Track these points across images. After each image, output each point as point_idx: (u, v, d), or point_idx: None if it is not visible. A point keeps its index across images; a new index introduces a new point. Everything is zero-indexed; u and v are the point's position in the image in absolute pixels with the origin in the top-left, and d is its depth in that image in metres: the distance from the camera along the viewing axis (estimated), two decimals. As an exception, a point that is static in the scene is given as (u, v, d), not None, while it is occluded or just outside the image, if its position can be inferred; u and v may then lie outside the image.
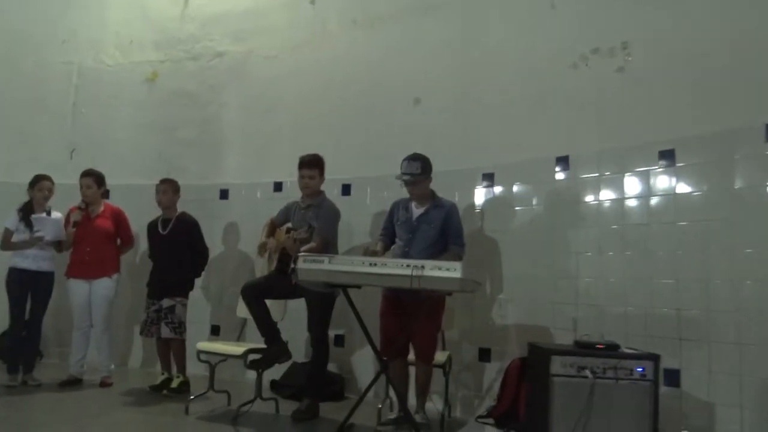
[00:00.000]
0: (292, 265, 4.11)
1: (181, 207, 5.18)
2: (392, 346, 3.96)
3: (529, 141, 4.50)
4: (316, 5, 5.74)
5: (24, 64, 6.38)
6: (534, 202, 4.46)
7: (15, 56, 6.36)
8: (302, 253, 3.70)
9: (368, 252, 3.95)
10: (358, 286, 3.88)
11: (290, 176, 5.40)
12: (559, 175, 4.35)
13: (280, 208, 4.72)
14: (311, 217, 4.14)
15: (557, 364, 3.10)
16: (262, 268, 4.69)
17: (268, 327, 4.27)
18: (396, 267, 3.44)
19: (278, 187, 5.72)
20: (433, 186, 4.18)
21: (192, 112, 6.14)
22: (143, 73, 6.33)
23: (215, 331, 5.77)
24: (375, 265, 3.51)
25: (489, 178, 4.70)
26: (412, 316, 3.86)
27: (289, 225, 4.48)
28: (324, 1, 5.72)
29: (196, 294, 5.26)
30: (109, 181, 5.40)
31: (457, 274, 3.31)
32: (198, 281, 5.23)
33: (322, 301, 4.24)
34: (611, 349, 3.17)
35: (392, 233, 4.21)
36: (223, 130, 6.07)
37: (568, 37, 4.40)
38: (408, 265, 3.41)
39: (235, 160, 5.99)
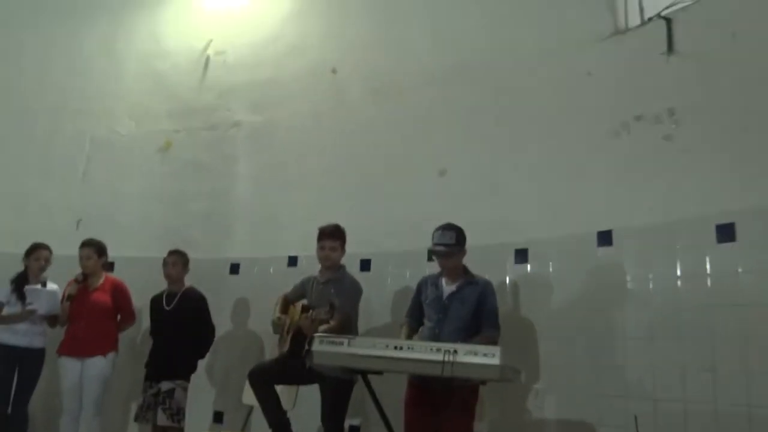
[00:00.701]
0: (307, 347, 3.76)
1: (188, 282, 4.82)
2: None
3: (566, 214, 4.14)
4: (338, 74, 5.55)
5: (36, 131, 6.20)
6: (573, 281, 4.04)
7: (28, 122, 6.18)
8: (319, 334, 3.30)
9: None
10: (380, 372, 3.47)
11: (305, 250, 5.06)
12: (601, 252, 3.96)
13: (294, 284, 4.36)
14: (331, 294, 3.75)
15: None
16: (272, 349, 4.27)
17: (277, 417, 3.82)
18: (425, 351, 3.03)
19: (293, 261, 5.35)
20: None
21: (204, 183, 5.85)
22: (156, 143, 6.11)
23: (218, 419, 5.27)
24: (401, 348, 3.10)
25: (522, 255, 4.32)
26: (441, 407, 3.42)
27: (305, 302, 4.10)
28: (346, 70, 5.52)
29: (199, 377, 4.81)
30: (115, 254, 5.10)
31: (496, 361, 2.90)
32: (202, 363, 4.79)
33: (338, 387, 3.79)
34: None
35: (420, 314, 3.81)
36: (236, 201, 5.77)
37: (606, 105, 4.12)
38: (438, 350, 3.00)
39: (247, 233, 5.65)
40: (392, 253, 4.88)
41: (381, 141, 5.18)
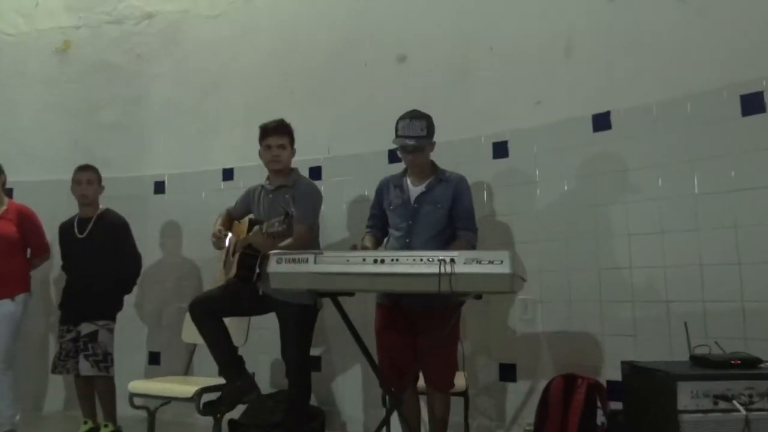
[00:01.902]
0: (258, 270, 3.09)
1: (105, 205, 4.01)
2: (397, 371, 2.92)
3: (554, 97, 3.54)
4: (268, -54, 4.65)
5: None
6: (564, 174, 3.47)
7: None
8: (275, 251, 2.62)
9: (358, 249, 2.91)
10: (351, 294, 2.85)
11: (243, 160, 4.40)
12: (598, 138, 3.38)
13: (232, 201, 3.64)
14: (284, 202, 3.02)
15: (686, 395, 2.10)
16: (216, 276, 3.57)
17: (228, 355, 3.17)
18: (414, 263, 2.40)
19: (228, 174, 4.60)
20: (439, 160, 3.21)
21: (116, 89, 4.94)
22: (53, 43, 5.08)
23: (154, 360, 4.59)
24: (382, 262, 2.46)
25: (502, 148, 3.70)
26: (420, 329, 2.87)
27: (252, 216, 3.38)
28: (279, -60, 4.63)
29: (126, 314, 4.09)
30: (13, 178, 4.20)
31: (506, 269, 2.31)
32: (129, 298, 4.05)
33: (301, 315, 3.15)
34: (750, 366, 2.21)
35: (383, 222, 3.18)
36: (156, 109, 4.88)
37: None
38: (431, 260, 2.39)
39: (171, 146, 4.81)
40: (345, 157, 4.21)
41: (324, 27, 4.39)
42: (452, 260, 2.36)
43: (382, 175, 4.01)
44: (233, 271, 3.19)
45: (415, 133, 2.96)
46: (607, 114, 3.34)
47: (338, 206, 4.14)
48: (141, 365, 4.56)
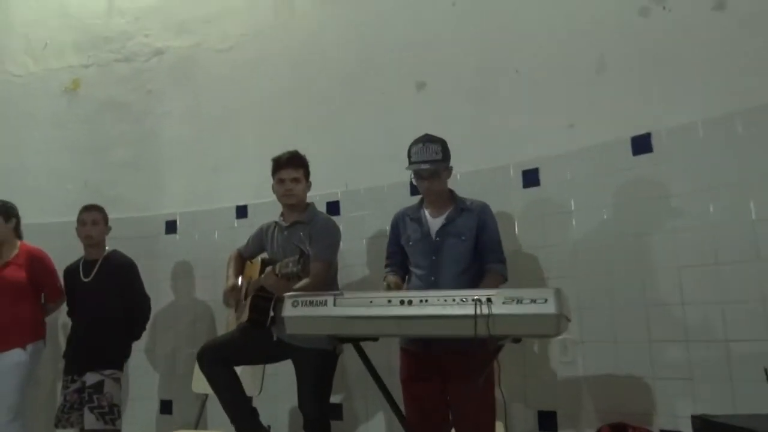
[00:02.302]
0: (272, 313, 2.84)
1: (115, 247, 3.81)
2: (429, 423, 2.63)
3: (588, 119, 3.29)
4: (279, -23, 4.51)
5: None
6: (602, 202, 3.20)
7: None
8: (291, 294, 2.37)
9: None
10: (375, 339, 2.59)
11: (257, 197, 4.19)
12: (638, 161, 3.11)
13: (246, 239, 3.42)
14: (299, 240, 2.78)
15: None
16: (228, 320, 3.32)
17: (240, 407, 2.90)
18: (448, 305, 2.15)
19: (242, 212, 4.38)
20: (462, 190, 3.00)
21: (126, 127, 4.79)
22: (62, 83, 4.96)
23: (166, 409, 4.32)
24: (409, 303, 2.20)
25: (532, 176, 3.44)
26: (453, 376, 2.58)
27: (265, 256, 3.15)
28: (289, -30, 4.49)
29: (137, 361, 3.85)
30: (23, 220, 4.03)
31: (551, 308, 2.04)
32: (139, 344, 3.82)
33: (319, 362, 2.89)
34: None
35: (403, 259, 2.91)
36: (167, 146, 4.71)
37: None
38: (464, 300, 2.13)
39: (183, 184, 4.62)
40: (364, 190, 3.98)
41: (338, 55, 4.20)
42: (489, 300, 2.10)
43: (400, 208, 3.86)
44: (245, 315, 2.95)
45: (430, 157, 2.73)
46: (648, 136, 3.08)
47: (358, 242, 3.89)
48: (152, 415, 4.30)
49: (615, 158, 3.17)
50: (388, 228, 3.76)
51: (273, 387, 3.40)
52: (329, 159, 3.87)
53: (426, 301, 2.18)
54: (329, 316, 2.27)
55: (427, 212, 2.85)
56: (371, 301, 2.25)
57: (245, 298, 3.04)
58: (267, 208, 3.88)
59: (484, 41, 3.69)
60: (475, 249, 2.77)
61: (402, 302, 2.21)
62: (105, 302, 3.57)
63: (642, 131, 3.10)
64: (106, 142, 4.79)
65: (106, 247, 3.76)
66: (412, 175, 2.82)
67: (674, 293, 2.92)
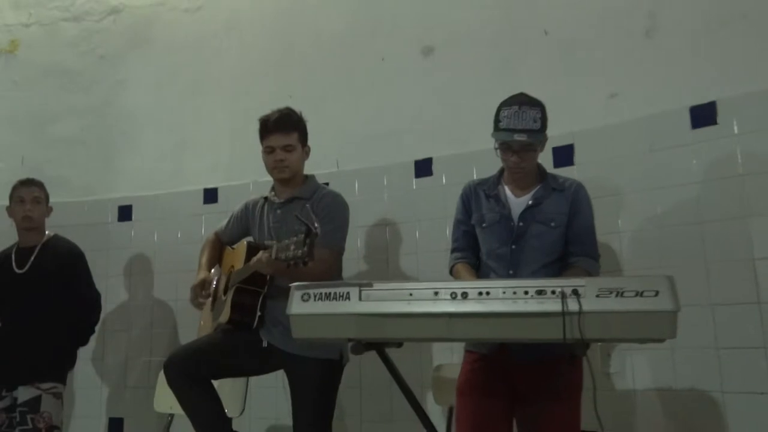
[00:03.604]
0: (259, 312, 2.25)
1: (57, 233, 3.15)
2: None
3: (634, 87, 2.81)
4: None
5: None
6: (654, 183, 2.69)
7: None
8: (300, 284, 1.78)
9: None
10: (400, 344, 2.02)
11: (228, 179, 3.62)
12: (699, 135, 2.63)
13: (215, 226, 2.81)
14: (305, 214, 2.12)
15: None
16: (200, 323, 2.69)
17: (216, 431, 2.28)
18: (519, 299, 1.60)
19: (211, 196, 3.74)
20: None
21: (72, 97, 4.09)
22: (-4, 44, 4.26)
23: (116, 428, 3.64)
24: (466, 297, 1.64)
25: (565, 154, 2.92)
26: (526, 394, 2.02)
27: (250, 239, 2.53)
28: None
29: (81, 372, 3.19)
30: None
31: (667, 304, 1.52)
32: (84, 352, 3.15)
33: (320, 374, 2.29)
34: None
35: (475, 245, 2.34)
36: (121, 119, 4.04)
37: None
38: (542, 291, 1.59)
39: (140, 163, 3.95)
40: (358, 171, 3.41)
41: (332, 11, 3.63)
42: (575, 292, 1.55)
43: (403, 193, 3.31)
44: (225, 314, 2.33)
45: (527, 126, 2.15)
46: (712, 105, 2.60)
47: (352, 232, 3.29)
48: (98, 435, 3.63)
49: (668, 132, 2.69)
50: (388, 216, 3.29)
51: (259, 405, 2.78)
52: (317, 136, 3.20)
53: (488, 293, 1.63)
54: (354, 314, 1.69)
55: (507, 189, 2.29)
56: (411, 294, 1.68)
57: (224, 293, 2.43)
58: (240, 191, 3.41)
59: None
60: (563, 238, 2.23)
61: (454, 295, 1.64)
62: (44, 299, 2.89)
63: (703, 100, 2.62)
64: (48, 114, 4.11)
65: (46, 232, 3.08)
66: (497, 144, 2.25)
67: (748, 290, 2.43)
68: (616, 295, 1.54)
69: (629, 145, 2.78)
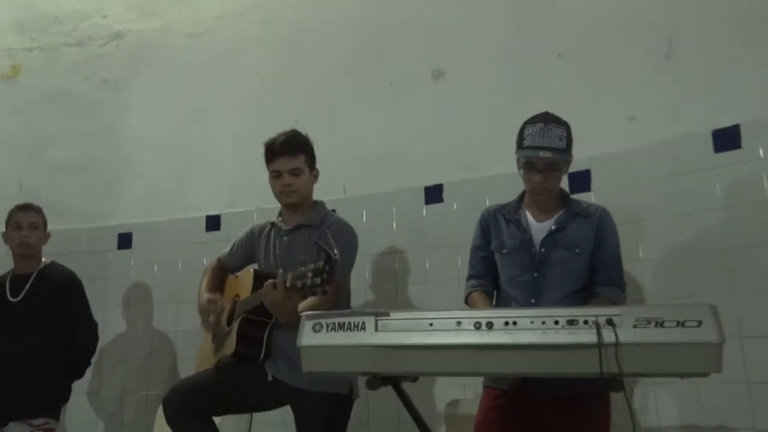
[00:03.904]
0: (265, 347, 2.12)
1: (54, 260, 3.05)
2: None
3: (653, 110, 2.72)
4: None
5: None
6: (674, 209, 2.58)
7: None
8: (311, 313, 1.66)
9: None
10: (415, 378, 1.89)
11: (232, 206, 3.53)
12: (722, 160, 2.52)
13: (218, 254, 2.70)
14: (324, 240, 1.99)
15: None
16: (201, 355, 2.55)
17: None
18: (549, 330, 1.48)
19: (213, 223, 3.64)
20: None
21: (73, 121, 4.01)
22: (-2, 68, 4.19)
23: (112, 466, 3.49)
24: (491, 327, 1.52)
25: (582, 180, 2.81)
26: (552, 426, 1.89)
27: (255, 267, 2.41)
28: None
29: (76, 406, 3.04)
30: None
31: (711, 335, 1.41)
32: (79, 385, 3.01)
33: (328, 410, 2.15)
34: None
35: (494, 271, 2.23)
36: (123, 144, 3.96)
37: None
38: (573, 321, 1.47)
39: (141, 189, 3.87)
40: (366, 197, 3.31)
41: (339, 33, 3.57)
42: (610, 322, 1.44)
43: (412, 220, 3.20)
44: (230, 346, 2.20)
45: (552, 144, 2.07)
46: (735, 129, 2.51)
47: (360, 261, 3.18)
48: (93, 475, 3.47)
49: (690, 157, 2.59)
50: (394, 243, 3.18)
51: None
52: (323, 160, 3.11)
53: (515, 323, 1.51)
54: (370, 346, 1.57)
55: (528, 213, 2.20)
56: (431, 324, 1.56)
57: (228, 323, 2.30)
58: (244, 218, 3.31)
59: (518, 20, 3.11)
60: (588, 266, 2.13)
61: (478, 325, 1.52)
62: (38, 329, 2.76)
63: (725, 124, 2.53)
64: (49, 139, 4.03)
65: (42, 259, 2.97)
66: (521, 164, 2.15)
67: (776, 320, 2.31)
68: (655, 326, 1.42)
69: (649, 170, 2.68)
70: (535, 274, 2.08)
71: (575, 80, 2.92)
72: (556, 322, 1.48)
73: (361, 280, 3.17)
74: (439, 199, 3.14)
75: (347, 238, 2.29)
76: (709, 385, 2.37)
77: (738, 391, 2.35)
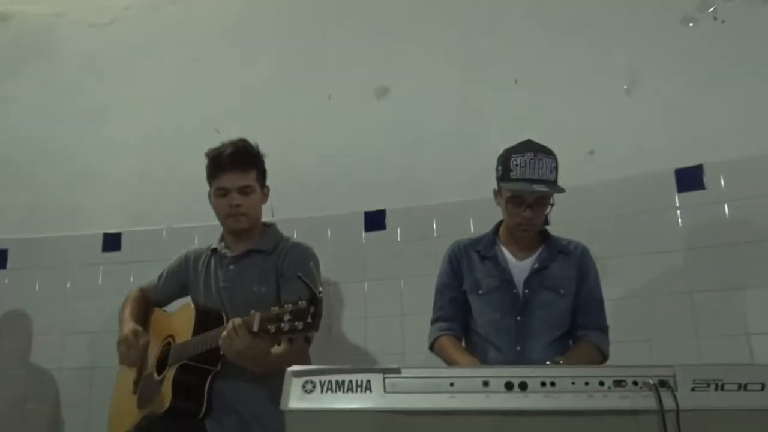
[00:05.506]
0: (206, 404, 1.76)
1: None
2: None
3: (613, 145, 2.63)
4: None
5: None
6: (637, 249, 2.49)
7: None
8: (299, 369, 1.33)
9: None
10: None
11: (135, 223, 3.09)
12: (685, 200, 2.47)
13: (116, 279, 2.29)
14: (305, 271, 1.63)
15: None
16: (114, 408, 2.10)
17: None
18: (597, 391, 1.26)
19: (112, 243, 3.13)
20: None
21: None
22: None
23: None
24: (524, 388, 1.28)
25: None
26: None
27: (192, 302, 2.01)
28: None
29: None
30: None
31: (774, 402, 1.24)
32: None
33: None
34: None
35: (461, 315, 1.99)
36: (5, 145, 3.37)
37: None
38: (624, 383, 1.27)
39: (22, 200, 3.29)
40: (300, 221, 2.96)
41: (270, 40, 3.25)
42: (664, 384, 1.24)
43: (350, 247, 2.91)
44: (164, 400, 1.79)
45: (545, 176, 1.90)
46: (698, 169, 2.46)
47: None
48: None
49: (652, 194, 2.52)
50: (331, 273, 2.87)
51: None
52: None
53: (552, 383, 1.27)
54: (377, 411, 1.26)
55: (505, 250, 1.98)
56: (452, 384, 1.29)
57: (157, 371, 1.89)
58: (150, 238, 2.98)
59: (470, 39, 2.96)
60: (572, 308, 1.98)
61: (509, 385, 1.27)
62: None
63: (689, 163, 2.48)
64: None
65: None
66: (503, 195, 1.96)
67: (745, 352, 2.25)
68: (716, 389, 1.25)
69: (610, 206, 2.58)
70: (519, 318, 1.89)
71: (532, 108, 2.79)
72: (601, 383, 1.26)
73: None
74: (382, 227, 2.88)
75: (308, 264, 1.96)
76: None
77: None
